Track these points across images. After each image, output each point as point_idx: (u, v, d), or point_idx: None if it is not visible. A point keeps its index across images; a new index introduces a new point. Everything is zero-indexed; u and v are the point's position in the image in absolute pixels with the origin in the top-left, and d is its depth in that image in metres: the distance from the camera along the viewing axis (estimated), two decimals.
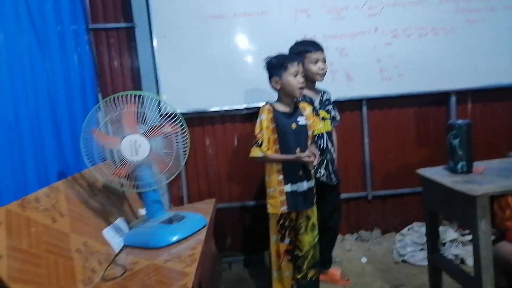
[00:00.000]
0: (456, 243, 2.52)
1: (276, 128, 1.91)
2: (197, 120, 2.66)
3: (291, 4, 2.56)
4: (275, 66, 1.91)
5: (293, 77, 1.89)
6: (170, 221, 1.68)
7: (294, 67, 1.89)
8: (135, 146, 1.64)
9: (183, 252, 1.50)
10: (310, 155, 1.83)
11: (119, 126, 1.64)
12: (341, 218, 2.37)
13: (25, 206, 1.29)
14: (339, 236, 2.69)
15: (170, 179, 1.73)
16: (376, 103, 2.74)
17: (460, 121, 1.77)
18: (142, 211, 1.91)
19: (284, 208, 1.92)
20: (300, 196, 1.93)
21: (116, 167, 1.67)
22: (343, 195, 2.47)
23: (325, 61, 2.20)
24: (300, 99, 2.04)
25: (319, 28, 2.58)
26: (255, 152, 1.89)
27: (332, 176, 2.23)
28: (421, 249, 2.49)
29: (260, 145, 1.88)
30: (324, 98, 2.29)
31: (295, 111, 1.98)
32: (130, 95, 1.64)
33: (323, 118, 2.21)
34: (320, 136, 2.17)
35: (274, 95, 2.01)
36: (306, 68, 2.08)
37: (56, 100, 1.90)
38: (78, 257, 1.39)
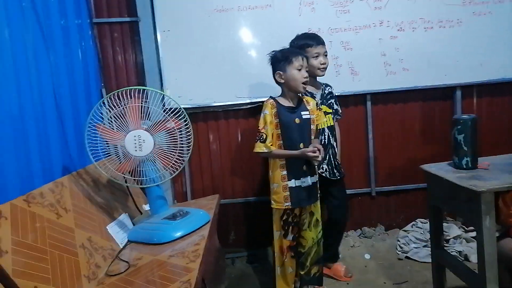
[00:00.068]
0: (460, 240, 2.51)
1: (279, 123, 1.90)
2: (201, 115, 2.66)
3: None
4: (280, 60, 1.90)
5: (297, 71, 1.88)
6: (173, 216, 1.68)
7: (298, 61, 1.87)
8: (139, 142, 1.65)
9: (186, 247, 1.50)
10: (314, 150, 1.82)
11: (123, 121, 1.64)
12: (347, 213, 2.36)
13: (30, 201, 1.30)
14: None
15: (174, 175, 1.73)
16: (380, 97, 2.72)
17: (465, 116, 1.74)
18: (146, 207, 1.92)
19: (287, 204, 1.92)
20: (303, 192, 1.93)
21: (120, 162, 1.67)
22: (347, 191, 2.46)
23: (326, 55, 2.18)
24: (303, 94, 2.03)
25: (324, 22, 2.56)
26: (259, 148, 1.89)
27: (335, 171, 2.23)
28: (425, 246, 2.49)
29: (264, 141, 1.87)
30: (326, 92, 2.27)
31: (299, 106, 1.97)
32: (134, 90, 1.64)
33: (325, 113, 2.19)
34: (322, 131, 2.15)
35: (278, 90, 2.00)
36: None
37: (60, 94, 1.90)
38: (82, 253, 1.40)
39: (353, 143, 2.75)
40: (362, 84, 2.63)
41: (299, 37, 2.18)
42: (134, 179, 1.69)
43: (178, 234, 1.60)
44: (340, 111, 2.35)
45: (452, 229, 2.59)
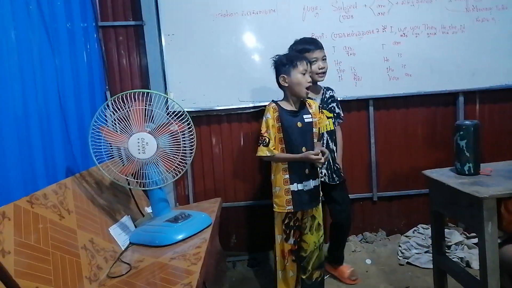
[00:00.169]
0: (461, 246, 2.50)
1: (281, 127, 1.91)
2: (204, 119, 2.68)
3: (299, 3, 2.56)
4: (285, 63, 1.91)
5: (301, 75, 1.88)
6: (175, 219, 1.69)
7: (303, 66, 1.89)
8: (142, 144, 1.66)
9: (188, 250, 1.50)
10: (317, 152, 1.83)
11: (127, 124, 1.65)
12: (350, 216, 2.35)
13: (33, 202, 1.31)
14: None
15: (176, 178, 1.74)
16: (383, 103, 2.73)
17: (467, 122, 1.75)
18: (148, 209, 1.92)
19: (289, 208, 1.92)
20: (306, 196, 1.93)
21: (123, 164, 1.68)
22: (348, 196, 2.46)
23: (324, 59, 2.18)
24: (306, 98, 2.03)
25: (327, 27, 2.57)
26: (262, 152, 1.89)
27: (334, 175, 2.23)
28: (426, 252, 2.48)
29: (267, 144, 1.88)
30: (327, 95, 2.27)
31: (301, 109, 1.97)
32: (138, 93, 1.65)
33: (326, 117, 2.19)
34: (321, 135, 2.15)
35: (281, 94, 2.01)
36: None
37: (65, 97, 1.91)
38: (84, 254, 1.40)
39: (355, 148, 2.75)
40: (365, 89, 2.63)
41: (297, 42, 2.19)
42: (136, 182, 1.70)
43: (180, 236, 1.61)
44: (342, 115, 2.35)
45: (454, 235, 2.58)
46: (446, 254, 2.09)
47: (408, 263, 2.47)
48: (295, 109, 1.96)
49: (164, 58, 2.55)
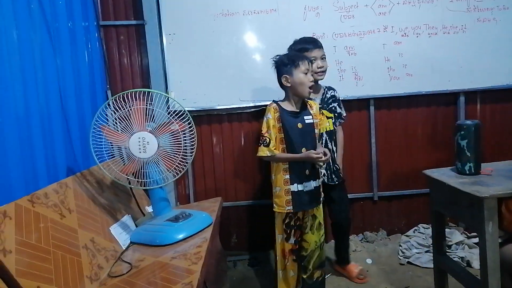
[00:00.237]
0: (462, 246, 2.50)
1: (282, 128, 1.91)
2: (204, 118, 2.68)
3: (300, 2, 2.56)
4: (286, 63, 1.90)
5: (304, 75, 1.88)
6: (176, 219, 1.69)
7: (305, 65, 1.88)
8: (143, 143, 1.66)
9: (189, 250, 1.51)
10: (319, 152, 1.83)
11: (127, 123, 1.65)
12: (349, 217, 2.35)
13: (34, 201, 1.31)
14: None
15: (177, 177, 1.74)
16: (383, 102, 2.73)
17: (468, 122, 1.75)
18: (149, 209, 1.93)
19: (289, 208, 1.92)
20: (306, 196, 1.93)
21: (124, 164, 1.68)
22: (349, 196, 2.45)
23: (323, 58, 2.18)
24: (308, 98, 2.03)
25: (328, 27, 2.57)
26: (263, 152, 1.89)
27: (333, 176, 2.23)
28: (427, 251, 2.48)
29: (268, 145, 1.88)
30: (328, 95, 2.27)
31: (302, 110, 1.97)
32: (139, 92, 1.65)
33: (326, 118, 2.20)
34: (320, 136, 2.15)
35: (282, 94, 2.01)
36: None
37: (66, 96, 1.92)
38: (85, 253, 1.40)
39: (356, 148, 2.75)
40: (366, 89, 2.63)
41: (296, 42, 2.19)
42: (137, 181, 1.70)
43: (181, 236, 1.61)
44: (344, 115, 2.34)
45: (454, 235, 2.58)
46: (447, 253, 2.09)
47: (408, 262, 2.47)
48: (296, 110, 1.95)
49: (165, 58, 2.55)
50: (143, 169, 1.68)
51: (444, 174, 1.79)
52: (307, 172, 1.92)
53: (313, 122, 1.97)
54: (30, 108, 1.61)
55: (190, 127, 1.74)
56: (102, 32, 2.52)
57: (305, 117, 1.95)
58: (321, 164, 1.89)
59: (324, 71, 2.19)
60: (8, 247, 1.10)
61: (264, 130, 1.91)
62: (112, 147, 1.72)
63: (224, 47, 2.57)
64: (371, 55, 2.60)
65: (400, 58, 2.61)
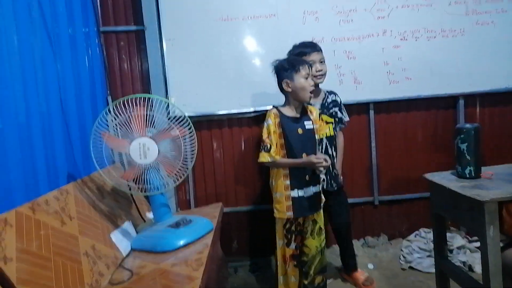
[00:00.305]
0: (464, 250, 2.50)
1: (282, 133, 1.91)
2: (205, 124, 2.68)
3: (299, 7, 2.57)
4: (287, 68, 1.90)
5: (304, 80, 1.88)
6: (177, 225, 1.68)
7: (305, 70, 1.89)
8: (144, 149, 1.65)
9: (190, 256, 1.50)
10: (319, 156, 1.83)
11: (128, 129, 1.65)
12: (348, 222, 2.35)
13: (35, 208, 1.31)
14: None
15: (177, 183, 1.74)
16: (383, 106, 2.73)
17: (468, 125, 1.75)
18: (150, 215, 1.92)
19: (290, 214, 1.92)
20: (306, 202, 1.93)
21: (125, 170, 1.68)
22: (349, 200, 2.45)
23: (322, 62, 2.18)
24: (308, 103, 2.03)
25: (327, 31, 2.58)
26: (264, 157, 1.89)
27: (332, 181, 2.23)
28: (428, 256, 2.48)
29: (269, 150, 1.88)
30: (329, 100, 2.27)
31: (302, 116, 1.97)
32: (140, 98, 1.65)
33: (326, 123, 2.19)
34: (320, 141, 2.15)
35: (282, 99, 2.01)
36: None
37: (66, 102, 1.92)
38: (86, 260, 1.40)
39: (356, 152, 2.75)
40: (365, 92, 2.64)
41: (295, 47, 2.19)
42: (138, 187, 1.70)
43: (181, 242, 1.60)
44: (345, 120, 2.33)
45: (456, 239, 2.57)
46: (449, 258, 2.08)
47: (410, 267, 2.46)
48: (297, 115, 1.95)
49: (165, 63, 2.55)
50: (144, 175, 1.68)
51: (444, 178, 1.79)
52: (307, 177, 1.92)
53: (313, 128, 1.97)
54: (30, 114, 1.61)
55: (190, 133, 1.74)
56: (102, 38, 2.53)
57: (305, 123, 1.95)
58: (322, 169, 1.89)
59: (323, 75, 2.19)
60: (9, 255, 1.09)
61: (264, 135, 1.91)
62: (113, 153, 1.71)
63: (224, 52, 2.58)
64: (370, 59, 2.61)
65: (399, 62, 2.62)
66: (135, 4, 2.58)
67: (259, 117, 2.58)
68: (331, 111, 2.26)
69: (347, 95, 2.57)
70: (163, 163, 1.70)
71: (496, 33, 2.61)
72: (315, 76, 2.12)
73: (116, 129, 1.68)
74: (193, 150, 1.76)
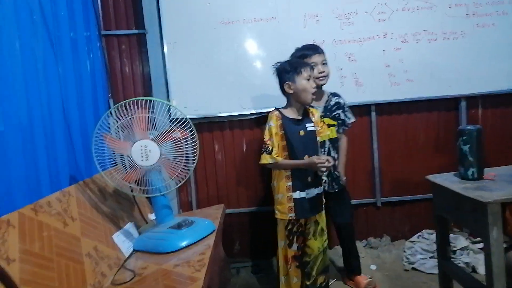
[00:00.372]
0: (467, 251, 2.49)
1: (284, 135, 1.91)
2: (206, 126, 2.69)
3: (300, 10, 2.58)
4: (289, 70, 1.90)
5: (306, 81, 1.89)
6: (179, 226, 1.69)
7: (307, 72, 1.89)
8: (146, 151, 1.66)
9: (192, 257, 1.50)
10: (322, 158, 1.82)
11: (130, 132, 1.66)
12: (350, 224, 2.34)
13: (37, 210, 1.31)
14: None
15: (179, 184, 1.74)
16: (385, 108, 2.73)
17: (470, 127, 1.75)
18: (152, 216, 1.92)
19: (292, 215, 1.92)
20: (308, 203, 1.92)
21: (127, 172, 1.69)
22: (352, 201, 2.45)
23: (325, 64, 2.18)
24: (310, 105, 2.04)
25: (328, 34, 2.59)
26: (265, 159, 1.89)
27: (333, 183, 2.22)
28: (431, 257, 2.47)
29: (270, 152, 1.88)
30: (332, 102, 2.26)
31: (304, 118, 1.97)
32: (141, 101, 1.66)
33: (329, 125, 2.19)
34: (322, 143, 2.15)
35: (283, 101, 2.01)
36: None
37: (68, 105, 1.93)
38: (88, 261, 1.40)
39: (358, 154, 2.75)
40: (367, 95, 2.64)
41: (298, 49, 2.20)
42: (140, 189, 1.70)
43: (184, 243, 1.61)
44: (349, 122, 2.30)
45: (459, 240, 2.56)
46: (452, 259, 2.07)
47: (413, 268, 2.45)
48: (298, 117, 1.96)
49: (166, 66, 2.57)
50: (146, 177, 1.69)
51: (447, 180, 1.78)
52: (309, 179, 1.92)
53: (315, 130, 1.98)
54: (32, 117, 1.61)
55: (192, 135, 1.74)
56: (104, 42, 2.54)
57: (307, 125, 1.95)
58: (323, 170, 1.89)
59: (326, 76, 2.19)
60: (12, 256, 1.10)
61: (266, 137, 1.91)
62: (115, 155, 1.72)
63: (224, 54, 2.59)
64: (371, 61, 2.61)
65: (400, 64, 2.62)
66: (136, 8, 2.60)
67: (260, 119, 2.58)
68: (334, 113, 2.25)
69: (348, 97, 2.56)
70: (165, 165, 1.70)
71: (496, 35, 2.61)
72: (317, 78, 2.13)
73: (118, 131, 1.68)
74: (194, 152, 1.77)
